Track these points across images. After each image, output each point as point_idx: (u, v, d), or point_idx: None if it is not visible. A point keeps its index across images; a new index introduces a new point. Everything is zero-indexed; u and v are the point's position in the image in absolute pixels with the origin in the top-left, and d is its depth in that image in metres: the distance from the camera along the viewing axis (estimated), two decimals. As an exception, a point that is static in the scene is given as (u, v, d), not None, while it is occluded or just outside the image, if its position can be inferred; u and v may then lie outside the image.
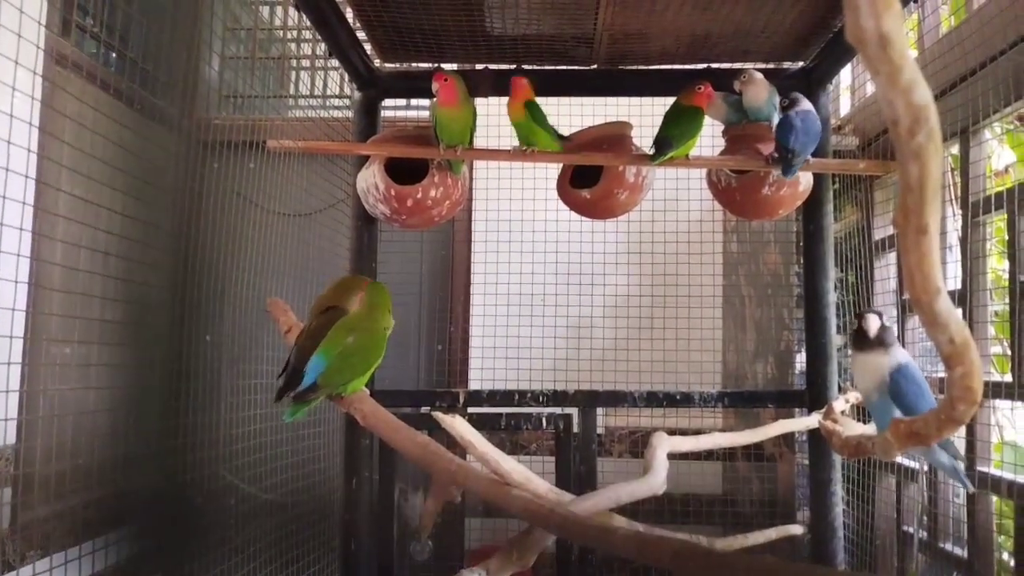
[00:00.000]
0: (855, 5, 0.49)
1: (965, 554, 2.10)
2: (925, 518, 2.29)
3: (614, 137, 2.24)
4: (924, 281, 0.59)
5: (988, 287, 2.12)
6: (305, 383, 1.46)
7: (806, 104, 1.99)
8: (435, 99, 2.02)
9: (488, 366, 3.12)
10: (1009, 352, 1.98)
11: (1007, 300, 1.99)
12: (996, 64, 1.91)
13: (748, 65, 2.34)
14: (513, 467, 1.33)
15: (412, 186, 2.15)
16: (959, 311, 2.12)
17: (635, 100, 2.68)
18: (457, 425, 1.36)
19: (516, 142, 2.11)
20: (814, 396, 2.41)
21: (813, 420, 2.08)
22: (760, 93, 2.13)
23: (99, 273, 2.21)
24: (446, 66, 2.41)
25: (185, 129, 2.51)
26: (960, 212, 2.15)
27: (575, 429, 2.56)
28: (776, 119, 2.10)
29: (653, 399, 2.54)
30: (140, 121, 2.50)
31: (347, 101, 3.21)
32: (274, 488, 2.72)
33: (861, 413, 2.50)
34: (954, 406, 0.73)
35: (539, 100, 2.06)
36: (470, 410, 2.60)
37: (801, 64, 2.38)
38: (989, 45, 1.92)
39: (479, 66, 2.43)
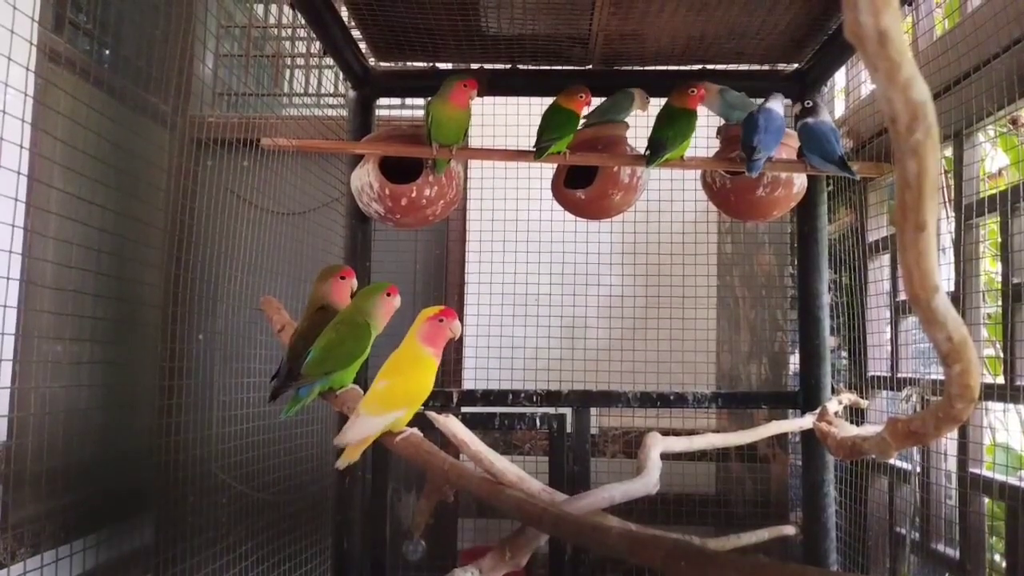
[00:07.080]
0: (854, 2, 0.49)
1: (957, 555, 2.11)
2: (917, 519, 2.29)
3: (609, 138, 2.24)
4: (922, 278, 0.59)
5: (981, 289, 2.13)
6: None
7: (774, 104, 2.04)
8: (435, 98, 2.02)
9: (482, 366, 3.11)
10: (1001, 354, 1.99)
11: (1000, 302, 2.00)
12: (990, 67, 1.91)
13: (743, 67, 2.34)
14: (506, 467, 1.32)
15: (406, 185, 2.14)
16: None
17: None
18: (450, 424, 1.35)
19: (509, 143, 2.11)
20: (807, 397, 2.42)
21: (807, 421, 2.08)
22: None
23: (91, 270, 2.20)
24: (441, 66, 2.41)
25: (179, 126, 2.50)
26: (953, 214, 2.16)
27: (569, 429, 2.56)
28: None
29: (647, 399, 2.54)
30: (133, 118, 2.49)
31: (341, 100, 3.21)
32: (266, 487, 2.71)
33: (854, 414, 2.50)
34: (952, 404, 0.73)
35: (534, 100, 2.07)
36: (464, 409, 2.60)
37: (796, 66, 2.39)
38: (983, 48, 1.92)
39: (474, 66, 2.42)
